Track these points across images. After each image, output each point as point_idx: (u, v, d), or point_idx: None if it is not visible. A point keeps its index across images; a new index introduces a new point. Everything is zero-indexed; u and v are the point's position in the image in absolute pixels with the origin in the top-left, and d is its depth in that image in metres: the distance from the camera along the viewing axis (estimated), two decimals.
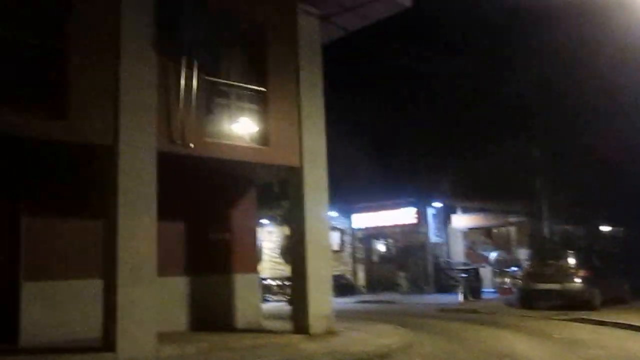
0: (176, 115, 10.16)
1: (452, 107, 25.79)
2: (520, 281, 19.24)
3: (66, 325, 10.44)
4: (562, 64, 22.51)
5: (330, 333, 11.65)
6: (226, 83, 11.43)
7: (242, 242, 13.47)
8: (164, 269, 10.23)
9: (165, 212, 9.94)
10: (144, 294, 9.39)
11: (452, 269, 25.21)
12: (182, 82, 10.24)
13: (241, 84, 11.63)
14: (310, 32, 12.50)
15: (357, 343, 10.74)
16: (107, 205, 9.59)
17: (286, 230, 22.47)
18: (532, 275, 17.99)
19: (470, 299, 20.76)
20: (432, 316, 16.94)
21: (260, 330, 12.36)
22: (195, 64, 10.38)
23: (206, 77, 10.75)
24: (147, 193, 9.62)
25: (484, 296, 21.62)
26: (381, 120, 26.81)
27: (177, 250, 12.23)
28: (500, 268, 24.64)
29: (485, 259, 26.09)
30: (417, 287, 25.43)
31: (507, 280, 23.11)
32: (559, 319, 14.91)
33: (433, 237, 26.48)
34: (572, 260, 17.40)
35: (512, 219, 26.81)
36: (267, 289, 23.52)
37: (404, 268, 26.32)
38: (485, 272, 23.85)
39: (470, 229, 28.16)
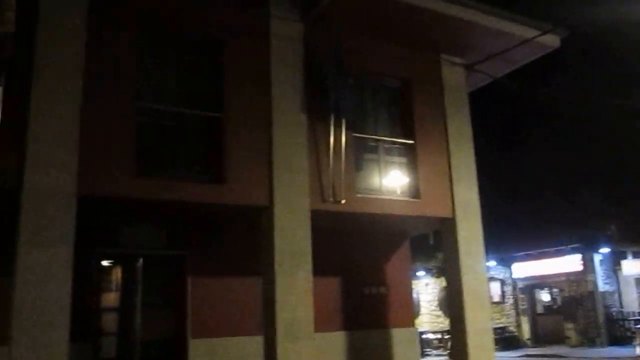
0: (327, 173, 10.46)
1: (617, 147, 24.14)
2: None
3: None
4: None
5: None
6: (374, 138, 11.63)
7: (397, 296, 13.27)
8: (320, 325, 10.34)
9: (320, 268, 10.16)
10: (301, 349, 9.55)
11: (627, 319, 23.32)
12: (331, 140, 10.54)
13: (389, 138, 11.78)
14: (456, 81, 12.40)
15: None
16: (265, 263, 9.98)
17: (443, 282, 21.99)
18: None
19: None
20: None
21: None
22: (343, 122, 10.64)
23: (354, 134, 11.00)
24: (302, 250, 9.90)
25: None
26: (540, 165, 25.76)
27: (332, 306, 12.30)
28: None
29: None
30: (587, 339, 23.63)
31: None
32: None
33: (602, 285, 24.57)
34: None
35: None
36: (427, 342, 22.99)
37: (572, 319, 24.61)
38: None
39: None
